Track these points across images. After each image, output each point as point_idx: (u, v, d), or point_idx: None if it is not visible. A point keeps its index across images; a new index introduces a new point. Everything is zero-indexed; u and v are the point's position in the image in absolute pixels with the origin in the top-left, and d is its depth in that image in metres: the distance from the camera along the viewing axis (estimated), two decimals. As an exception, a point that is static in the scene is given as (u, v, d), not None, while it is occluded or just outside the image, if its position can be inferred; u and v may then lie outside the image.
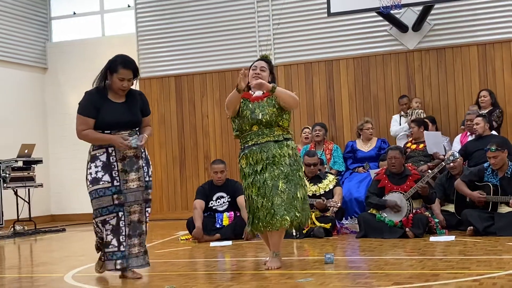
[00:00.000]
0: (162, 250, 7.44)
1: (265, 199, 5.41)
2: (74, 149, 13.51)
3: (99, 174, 5.21)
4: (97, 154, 5.28)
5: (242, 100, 5.62)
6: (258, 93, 5.61)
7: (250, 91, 5.66)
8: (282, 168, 5.44)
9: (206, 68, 12.30)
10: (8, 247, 8.96)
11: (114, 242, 5.24)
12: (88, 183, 5.24)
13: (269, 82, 5.64)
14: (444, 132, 10.30)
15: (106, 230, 5.23)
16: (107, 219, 5.22)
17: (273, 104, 5.54)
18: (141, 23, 12.82)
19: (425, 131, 9.33)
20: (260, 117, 5.51)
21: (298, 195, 5.47)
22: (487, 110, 9.49)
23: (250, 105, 5.59)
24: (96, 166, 5.25)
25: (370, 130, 9.81)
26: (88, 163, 5.29)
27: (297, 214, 5.43)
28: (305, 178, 5.76)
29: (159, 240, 8.55)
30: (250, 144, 5.54)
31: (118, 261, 5.25)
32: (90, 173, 5.25)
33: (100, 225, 5.25)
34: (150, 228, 10.91)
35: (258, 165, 5.47)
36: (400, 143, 9.94)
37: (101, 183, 5.19)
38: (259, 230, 5.53)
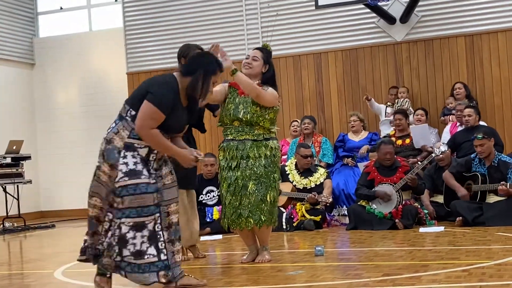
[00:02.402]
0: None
1: (233, 197, 5.36)
2: (63, 145, 13.48)
3: (139, 167, 4.28)
4: (136, 145, 4.31)
5: (231, 90, 5.53)
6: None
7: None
8: (255, 169, 5.33)
9: (194, 62, 12.24)
10: (-3, 244, 8.93)
11: (152, 250, 4.25)
12: (122, 175, 4.24)
13: (263, 73, 5.51)
14: (432, 123, 10.32)
15: (142, 237, 4.24)
16: (146, 222, 4.24)
17: (257, 102, 5.39)
18: (129, 17, 12.76)
19: (411, 126, 9.34)
20: (240, 116, 5.39)
21: (268, 198, 5.37)
22: (466, 102, 9.52)
23: (237, 99, 5.47)
24: (134, 157, 4.29)
25: (352, 123, 9.84)
26: (119, 150, 4.29)
27: (262, 217, 5.35)
28: (279, 180, 5.61)
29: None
30: (229, 138, 5.46)
31: (161, 273, 4.27)
32: (126, 163, 4.27)
33: (130, 230, 4.23)
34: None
35: (233, 162, 5.39)
36: (384, 129, 9.99)
37: (142, 177, 4.25)
38: (224, 226, 5.51)
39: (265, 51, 5.64)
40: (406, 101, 10.18)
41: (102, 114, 13.17)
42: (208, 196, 8.31)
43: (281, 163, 6.79)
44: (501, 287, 3.95)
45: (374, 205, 7.71)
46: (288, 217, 8.06)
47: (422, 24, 10.93)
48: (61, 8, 13.95)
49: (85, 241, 4.44)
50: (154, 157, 4.38)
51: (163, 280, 4.29)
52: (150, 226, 4.26)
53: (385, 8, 10.73)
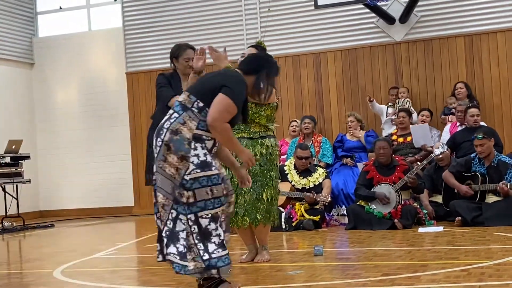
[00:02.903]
0: (152, 244, 7.42)
1: None
2: (62, 145, 13.47)
3: (208, 158, 4.13)
4: (204, 137, 4.16)
5: None
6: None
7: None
8: (250, 168, 5.11)
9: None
10: (-4, 244, 8.93)
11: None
12: (194, 167, 4.07)
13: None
14: (432, 124, 10.33)
15: (216, 229, 4.10)
16: (219, 213, 4.13)
17: (252, 99, 5.27)
18: (128, 17, 12.76)
19: (411, 126, 9.35)
20: None
21: (264, 196, 5.34)
22: (466, 102, 9.52)
23: None
24: (203, 148, 4.14)
25: (349, 123, 9.86)
26: (189, 141, 4.12)
27: (258, 216, 5.34)
28: (278, 178, 5.52)
29: (149, 234, 8.53)
30: None
31: (230, 264, 4.17)
32: (197, 155, 4.10)
33: (211, 222, 4.08)
34: (140, 223, 10.93)
35: None
36: (386, 129, 10.00)
37: (213, 168, 4.11)
38: None
39: (260, 48, 5.63)
40: (407, 101, 10.19)
41: (101, 113, 13.17)
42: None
43: (280, 162, 6.78)
44: (500, 287, 3.95)
45: (373, 205, 7.71)
46: (287, 217, 8.06)
47: (421, 24, 10.93)
48: (61, 8, 13.95)
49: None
50: (215, 151, 4.29)
51: (229, 271, 4.20)
52: (222, 218, 4.17)
53: (384, 8, 10.73)
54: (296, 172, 8.56)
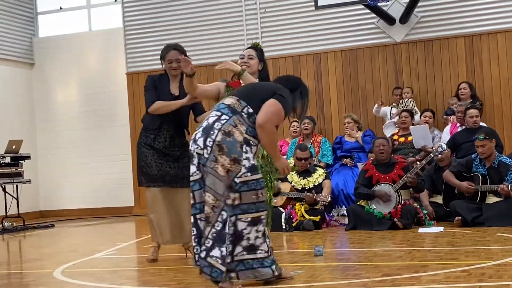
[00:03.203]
0: (152, 244, 7.41)
1: None
2: (62, 145, 13.48)
3: (256, 162, 4.27)
4: (251, 142, 4.26)
5: (227, 90, 5.43)
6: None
7: (240, 81, 5.37)
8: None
9: (194, 62, 12.03)
10: (-4, 244, 8.92)
11: (264, 246, 4.23)
12: (245, 170, 4.16)
13: (259, 70, 5.48)
14: (433, 124, 10.33)
15: (257, 232, 4.17)
16: (262, 217, 4.21)
17: None
18: (128, 17, 12.76)
19: (411, 127, 9.35)
20: None
21: None
22: (467, 102, 9.53)
23: None
24: (251, 152, 4.25)
25: (346, 125, 9.86)
26: (241, 144, 4.21)
27: None
28: (278, 180, 5.50)
29: (149, 234, 8.53)
30: None
31: (273, 267, 4.30)
32: (248, 158, 4.20)
33: (248, 225, 4.15)
34: (140, 223, 10.92)
35: None
36: (388, 133, 10.00)
37: (259, 172, 4.24)
38: None
39: (258, 49, 5.63)
40: (411, 101, 10.19)
41: (101, 114, 13.17)
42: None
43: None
44: (500, 287, 3.95)
45: (373, 205, 7.71)
46: (287, 217, 8.05)
47: (421, 24, 10.93)
48: (61, 8, 13.95)
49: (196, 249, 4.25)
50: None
51: (276, 274, 4.30)
52: (264, 222, 4.23)
53: (384, 8, 10.73)
54: (296, 172, 8.56)
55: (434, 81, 10.88)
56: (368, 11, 10.81)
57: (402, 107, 10.02)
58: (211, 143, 4.16)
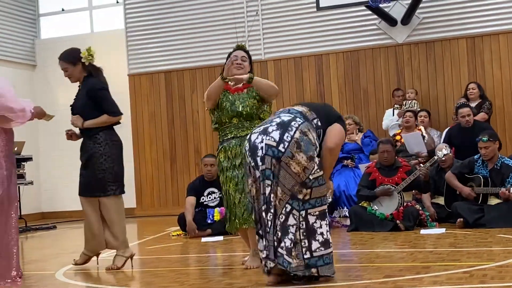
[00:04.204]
0: (154, 246, 7.43)
1: (243, 195, 5.16)
2: (64, 146, 13.48)
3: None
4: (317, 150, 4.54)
5: (224, 93, 5.44)
6: (244, 77, 5.29)
7: (229, 83, 5.39)
8: None
9: (195, 64, 12.28)
10: (-2, 245, 8.92)
11: (330, 239, 4.44)
12: (317, 167, 4.36)
13: (248, 72, 5.43)
14: (433, 125, 10.33)
15: (326, 226, 4.37)
16: (325, 210, 4.41)
17: (254, 96, 5.32)
18: (130, 19, 12.78)
19: (403, 134, 9.33)
20: (240, 109, 5.27)
21: None
22: (476, 103, 9.54)
23: (230, 97, 5.37)
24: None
25: (347, 126, 9.84)
26: (313, 144, 4.42)
27: None
28: None
29: (150, 236, 8.55)
30: (229, 137, 5.31)
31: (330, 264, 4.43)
32: (317, 156, 4.44)
33: (317, 219, 4.33)
34: (142, 224, 10.93)
35: (237, 159, 5.22)
36: (392, 133, 10.00)
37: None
38: (235, 228, 5.27)
39: (247, 51, 5.62)
40: (415, 102, 10.19)
41: (103, 115, 13.17)
42: (209, 197, 8.31)
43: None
44: (502, 288, 3.95)
45: (375, 206, 7.71)
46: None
47: (423, 26, 10.94)
48: (63, 10, 13.96)
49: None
50: None
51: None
52: (327, 215, 4.43)
53: (386, 9, 10.74)
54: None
55: (436, 83, 10.88)
56: (369, 12, 10.82)
57: (406, 108, 10.01)
58: (289, 138, 4.31)
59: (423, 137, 9.24)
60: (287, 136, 4.30)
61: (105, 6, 13.74)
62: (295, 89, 11.54)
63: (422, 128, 9.50)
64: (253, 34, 11.87)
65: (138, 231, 10.11)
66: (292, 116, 4.46)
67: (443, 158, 8.04)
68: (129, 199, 12.66)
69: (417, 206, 7.80)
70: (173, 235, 8.28)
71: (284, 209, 4.27)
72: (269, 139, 4.32)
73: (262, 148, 4.33)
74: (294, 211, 4.26)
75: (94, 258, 5.91)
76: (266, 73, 11.52)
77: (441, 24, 10.86)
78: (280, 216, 4.27)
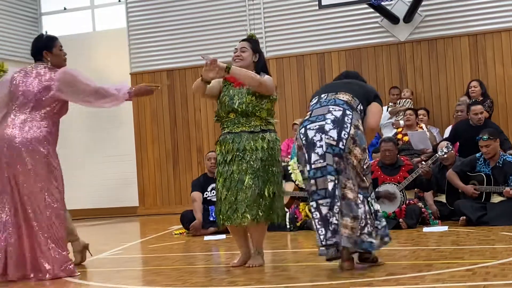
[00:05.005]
0: (156, 244, 7.44)
1: (229, 192, 5.08)
2: (64, 145, 13.49)
3: None
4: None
5: (225, 84, 5.34)
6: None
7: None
8: (251, 163, 5.06)
9: (198, 62, 12.25)
10: (1, 244, 8.92)
11: None
12: (367, 156, 4.75)
13: (254, 62, 5.34)
14: (435, 123, 10.33)
15: (379, 209, 4.85)
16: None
17: (253, 92, 5.16)
18: (132, 17, 12.78)
19: (408, 132, 9.32)
20: (236, 106, 5.16)
21: (266, 193, 5.08)
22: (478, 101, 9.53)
23: (231, 91, 5.25)
24: None
25: None
26: (363, 135, 4.73)
27: (260, 213, 5.06)
28: (280, 173, 5.37)
29: (153, 234, 8.55)
30: (225, 131, 5.22)
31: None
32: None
33: (374, 202, 4.76)
34: (145, 223, 10.94)
35: (228, 155, 5.13)
36: (386, 132, 9.99)
37: None
38: (219, 223, 5.22)
39: (252, 40, 5.50)
40: (408, 101, 10.18)
41: (104, 114, 13.18)
42: (213, 193, 8.29)
43: (284, 162, 6.75)
44: (505, 286, 3.95)
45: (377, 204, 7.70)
46: (292, 217, 8.06)
47: (425, 23, 10.93)
48: (65, 9, 13.98)
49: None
50: None
51: None
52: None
53: (388, 7, 10.74)
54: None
55: (438, 80, 10.87)
56: (372, 10, 10.81)
57: (399, 106, 10.02)
58: (346, 135, 4.59)
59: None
60: (344, 134, 4.59)
61: (107, 5, 13.75)
62: (297, 87, 11.54)
63: (423, 125, 9.50)
64: (255, 32, 11.85)
65: (141, 230, 10.13)
66: (342, 110, 4.67)
67: (445, 156, 8.03)
68: (132, 198, 12.71)
69: (420, 204, 7.80)
70: (175, 234, 8.28)
71: (358, 199, 4.59)
72: (328, 138, 4.59)
73: (321, 146, 4.61)
74: (364, 199, 4.61)
75: (93, 257, 5.91)
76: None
77: (443, 22, 10.85)
78: (359, 206, 4.58)
